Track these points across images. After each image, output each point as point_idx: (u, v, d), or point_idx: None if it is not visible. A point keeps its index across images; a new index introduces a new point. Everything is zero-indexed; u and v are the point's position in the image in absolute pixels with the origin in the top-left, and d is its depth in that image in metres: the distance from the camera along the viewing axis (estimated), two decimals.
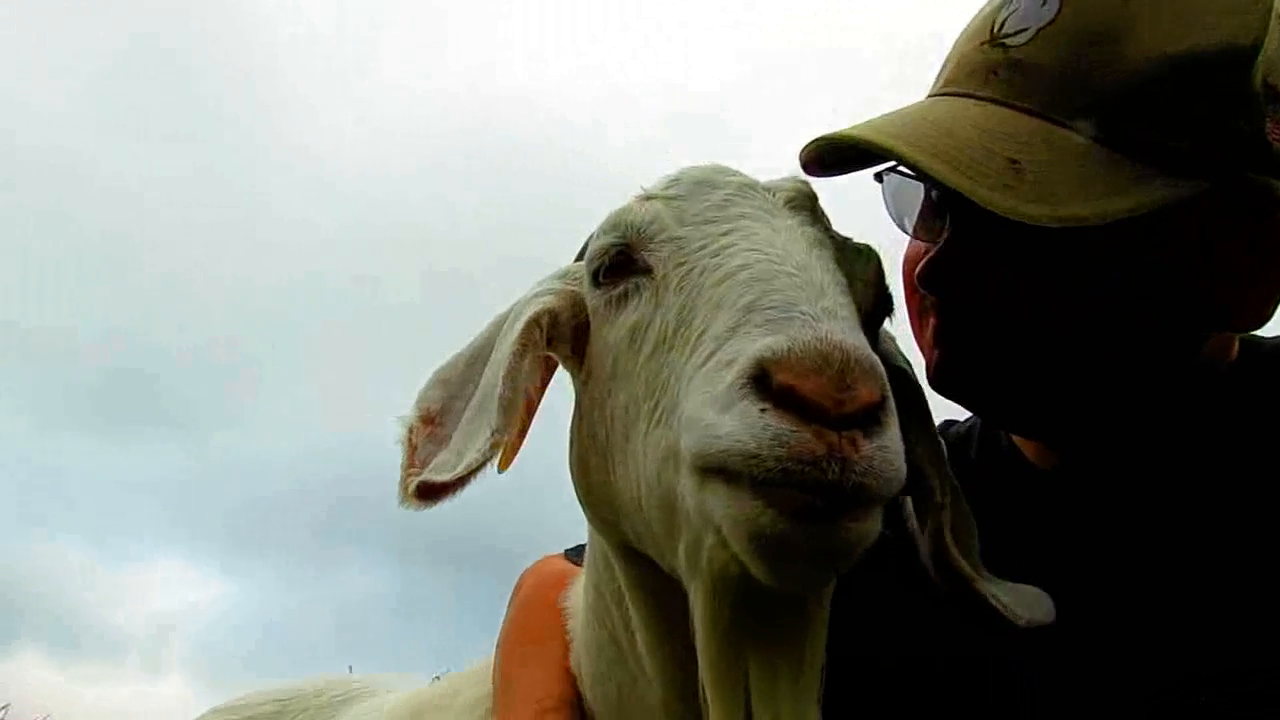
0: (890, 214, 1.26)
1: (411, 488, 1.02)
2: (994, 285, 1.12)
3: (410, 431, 1.09)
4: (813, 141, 1.15)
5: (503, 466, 1.18)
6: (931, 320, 1.22)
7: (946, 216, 1.16)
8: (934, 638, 1.18)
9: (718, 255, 0.95)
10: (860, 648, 1.12)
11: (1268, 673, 1.02)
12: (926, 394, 1.20)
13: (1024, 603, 1.10)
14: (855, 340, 0.79)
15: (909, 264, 1.24)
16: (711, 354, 0.85)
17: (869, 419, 0.76)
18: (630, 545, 1.06)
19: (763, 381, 0.77)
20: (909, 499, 1.17)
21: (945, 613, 1.14)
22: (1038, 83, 1.07)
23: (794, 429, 0.74)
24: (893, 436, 0.77)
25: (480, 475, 1.04)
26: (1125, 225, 1.01)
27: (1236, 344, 1.23)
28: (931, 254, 1.16)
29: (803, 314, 0.82)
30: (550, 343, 1.18)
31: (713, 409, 0.79)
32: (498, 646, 1.35)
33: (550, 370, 1.23)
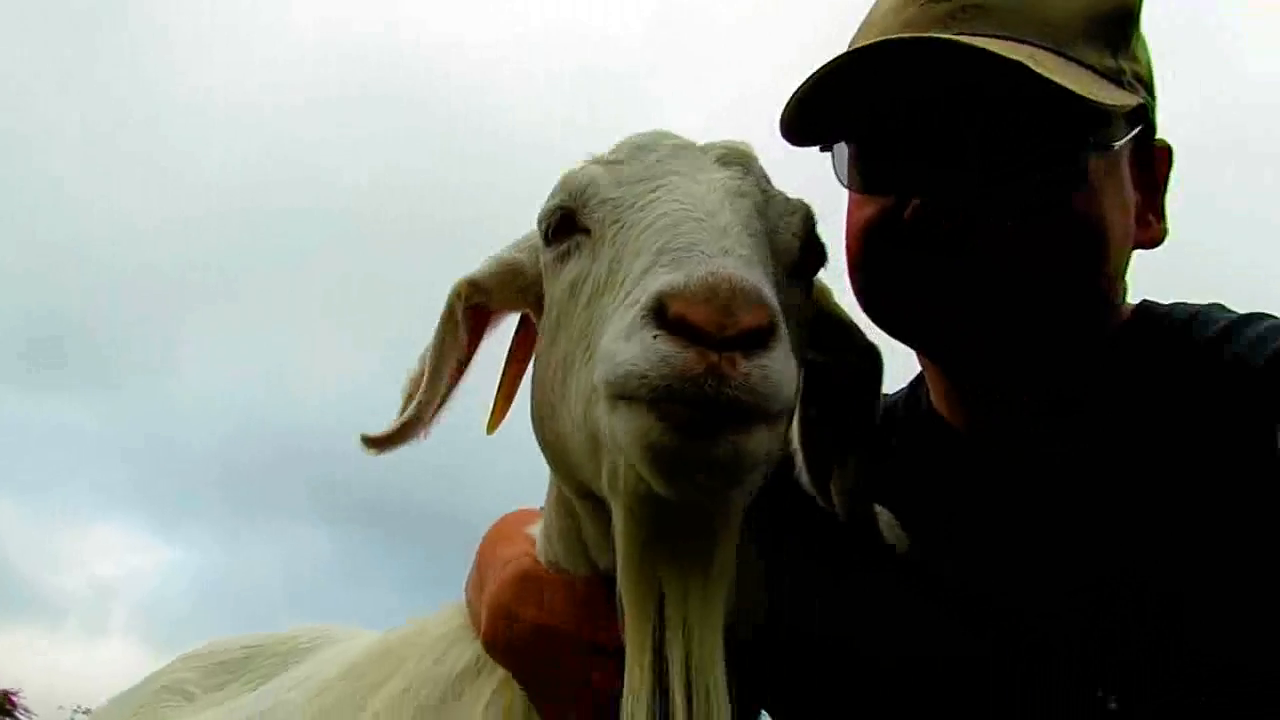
0: (841, 180, 1.30)
1: (359, 438, 1.27)
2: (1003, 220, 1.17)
3: (412, 384, 1.31)
4: (852, 52, 1.18)
5: (490, 429, 1.37)
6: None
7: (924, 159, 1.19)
8: (927, 638, 1.23)
9: (644, 210, 1.04)
10: (855, 647, 1.21)
11: (1268, 673, 1.06)
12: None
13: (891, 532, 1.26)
14: (745, 273, 0.88)
15: (856, 227, 1.28)
16: (628, 294, 0.95)
17: (753, 342, 0.84)
18: (589, 491, 1.13)
19: (661, 313, 0.86)
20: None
21: (939, 614, 1.23)
22: (1009, 17, 1.17)
23: (679, 350, 0.83)
24: (776, 358, 0.85)
25: (413, 435, 1.29)
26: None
27: (1131, 307, 1.30)
28: (938, 199, 1.19)
29: (701, 253, 0.92)
30: (485, 309, 1.33)
31: (619, 340, 0.89)
32: (466, 583, 1.43)
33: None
